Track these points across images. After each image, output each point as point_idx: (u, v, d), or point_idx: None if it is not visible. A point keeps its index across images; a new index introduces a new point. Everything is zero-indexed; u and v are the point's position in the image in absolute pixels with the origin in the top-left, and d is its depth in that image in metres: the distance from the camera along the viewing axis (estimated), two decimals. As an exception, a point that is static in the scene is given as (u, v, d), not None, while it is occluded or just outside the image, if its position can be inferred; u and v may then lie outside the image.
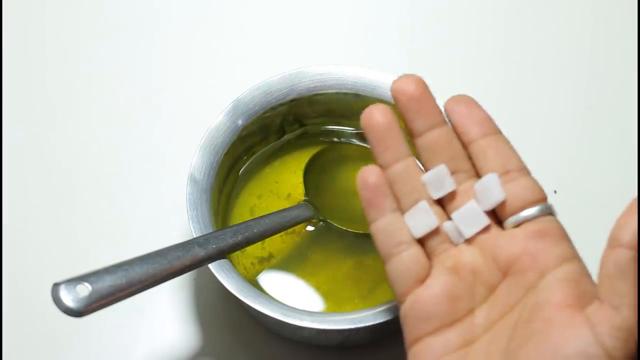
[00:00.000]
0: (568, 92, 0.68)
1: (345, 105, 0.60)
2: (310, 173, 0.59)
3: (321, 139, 0.62)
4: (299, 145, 0.62)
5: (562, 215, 0.64)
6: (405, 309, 0.45)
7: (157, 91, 0.68)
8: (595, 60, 0.70)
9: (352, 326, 0.51)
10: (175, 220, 0.60)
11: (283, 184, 0.60)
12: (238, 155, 0.60)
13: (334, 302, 0.56)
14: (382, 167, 0.46)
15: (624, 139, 0.66)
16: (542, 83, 0.69)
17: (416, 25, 0.72)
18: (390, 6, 0.72)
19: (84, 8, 0.71)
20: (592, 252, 0.62)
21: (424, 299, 0.44)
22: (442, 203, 0.46)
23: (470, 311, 0.44)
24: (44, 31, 0.71)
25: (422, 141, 0.46)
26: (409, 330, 0.45)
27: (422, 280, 0.45)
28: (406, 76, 0.46)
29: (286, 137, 0.62)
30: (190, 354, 0.58)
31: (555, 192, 0.62)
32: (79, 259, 0.60)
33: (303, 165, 0.59)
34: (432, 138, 0.46)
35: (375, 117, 0.46)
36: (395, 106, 0.46)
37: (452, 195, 0.46)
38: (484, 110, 0.46)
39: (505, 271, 0.44)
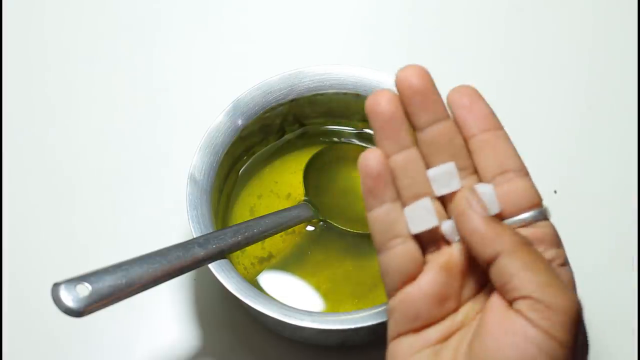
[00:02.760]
0: (568, 92, 0.68)
1: (345, 106, 0.60)
2: (310, 173, 0.59)
3: (321, 139, 0.62)
4: (299, 145, 0.62)
5: (562, 215, 0.63)
6: (393, 304, 0.44)
7: (157, 91, 0.68)
8: (595, 60, 0.70)
9: (352, 326, 0.51)
10: (175, 220, 0.60)
11: (283, 184, 0.60)
12: (238, 155, 0.60)
13: (334, 302, 0.56)
14: (385, 155, 0.45)
15: (624, 139, 0.66)
16: (542, 83, 0.69)
17: (416, 25, 0.72)
18: (391, 6, 0.72)
19: (84, 8, 0.71)
20: (592, 252, 0.62)
21: (414, 297, 0.44)
22: (443, 200, 0.46)
23: (455, 310, 0.44)
24: (44, 31, 0.71)
25: (424, 135, 0.45)
26: (394, 325, 0.44)
27: (413, 277, 0.44)
28: (411, 67, 0.45)
29: (286, 137, 0.62)
30: (190, 354, 0.58)
31: (555, 192, 0.63)
32: (79, 259, 0.60)
33: (303, 165, 0.59)
34: (435, 133, 0.45)
35: (381, 103, 0.45)
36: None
37: (454, 194, 0.46)
38: (486, 104, 0.45)
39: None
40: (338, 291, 0.57)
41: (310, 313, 0.52)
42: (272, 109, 0.59)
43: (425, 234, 0.45)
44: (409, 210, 0.45)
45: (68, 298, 0.46)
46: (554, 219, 0.64)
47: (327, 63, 0.60)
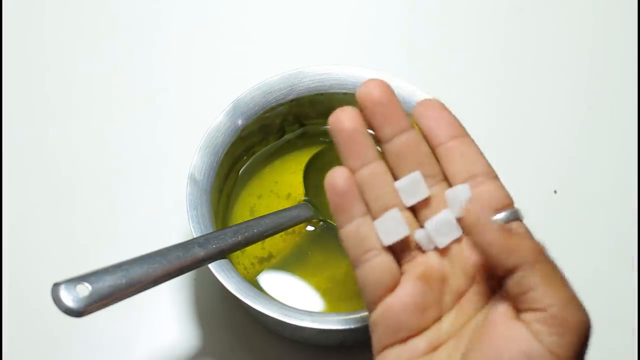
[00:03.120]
0: (568, 92, 0.68)
1: (345, 105, 0.60)
2: (310, 173, 0.59)
3: (321, 139, 0.62)
4: (299, 145, 0.62)
5: (562, 215, 0.64)
6: (375, 317, 0.44)
7: (157, 91, 0.68)
8: (595, 60, 0.70)
9: (352, 326, 0.51)
10: (175, 220, 0.60)
11: (283, 184, 0.60)
12: (238, 155, 0.60)
13: (334, 302, 0.56)
14: (351, 171, 0.45)
15: (624, 139, 0.66)
16: (543, 83, 0.69)
17: (416, 25, 0.72)
18: (391, 6, 0.72)
19: (84, 8, 0.71)
20: (591, 252, 0.62)
21: (395, 308, 0.44)
22: (414, 209, 0.46)
23: (438, 318, 0.44)
24: (44, 31, 0.71)
25: (390, 147, 0.46)
26: (379, 338, 0.44)
27: (392, 288, 0.44)
28: (372, 81, 0.45)
29: (286, 137, 0.62)
30: (190, 354, 0.58)
31: (555, 192, 0.63)
32: (79, 259, 0.60)
33: (303, 165, 0.59)
34: (400, 143, 0.45)
35: (343, 120, 0.45)
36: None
37: (424, 202, 0.46)
38: (452, 114, 0.46)
39: (473, 278, 0.44)
40: (338, 291, 0.57)
41: (310, 313, 0.52)
42: (272, 109, 0.59)
43: (398, 244, 0.45)
44: (379, 222, 0.45)
45: (68, 298, 0.46)
46: (554, 219, 0.64)
47: (327, 63, 0.60)
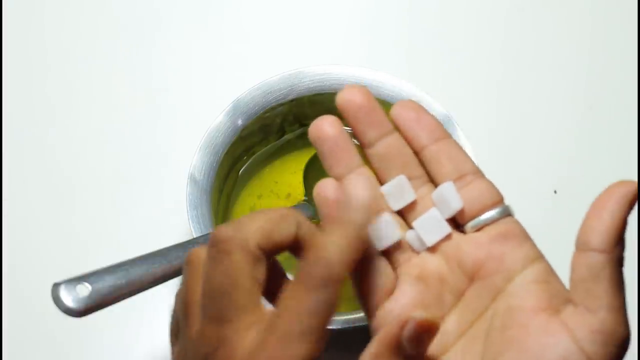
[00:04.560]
0: (568, 92, 0.68)
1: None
2: (310, 173, 0.59)
3: (321, 139, 0.62)
4: (299, 145, 0.62)
5: (562, 215, 0.64)
6: (375, 325, 0.44)
7: (157, 91, 0.68)
8: (595, 60, 0.70)
9: (352, 326, 0.51)
10: (175, 220, 0.60)
11: (283, 184, 0.60)
12: (238, 155, 0.59)
13: (334, 302, 0.56)
14: (337, 179, 0.45)
15: (624, 139, 0.66)
16: (543, 83, 0.69)
17: (416, 25, 0.72)
18: (390, 6, 0.72)
19: (84, 8, 0.71)
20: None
21: (395, 311, 0.43)
22: (402, 212, 0.46)
23: (440, 319, 0.44)
24: (44, 31, 0.71)
25: (374, 151, 0.45)
26: None
27: (389, 292, 0.44)
28: (351, 86, 0.45)
29: (286, 137, 0.62)
30: (190, 354, 0.58)
31: (555, 192, 0.63)
32: (79, 259, 0.60)
33: (303, 166, 0.59)
34: (384, 147, 0.45)
35: (324, 129, 0.45)
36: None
37: (411, 205, 0.45)
38: (432, 116, 0.46)
39: (472, 276, 0.44)
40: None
41: (310, 313, 0.52)
42: (272, 108, 0.59)
43: (392, 248, 0.45)
44: (372, 228, 0.44)
45: (68, 298, 0.46)
46: (554, 218, 0.64)
47: (327, 63, 0.60)
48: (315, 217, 0.58)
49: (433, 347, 0.43)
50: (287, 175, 0.60)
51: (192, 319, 0.40)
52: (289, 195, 0.60)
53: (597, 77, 0.69)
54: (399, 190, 0.45)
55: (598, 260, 0.40)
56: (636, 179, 0.64)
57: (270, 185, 0.60)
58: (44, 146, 0.66)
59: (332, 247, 0.38)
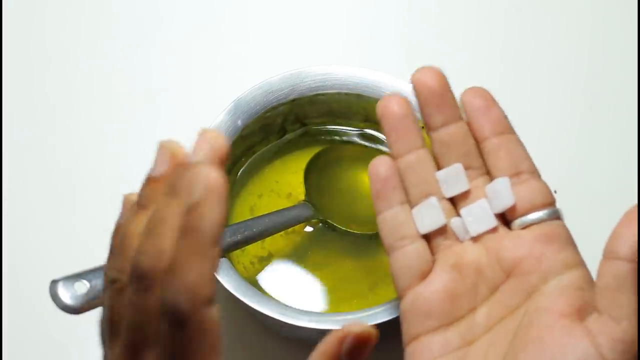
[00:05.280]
0: (568, 92, 0.68)
1: (346, 106, 0.60)
2: (311, 173, 0.59)
3: (322, 138, 0.62)
4: (300, 145, 0.62)
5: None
6: (405, 305, 0.45)
7: (157, 90, 0.68)
8: (594, 60, 0.70)
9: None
10: (175, 220, 0.59)
11: (284, 183, 0.60)
12: (238, 154, 0.60)
13: (334, 302, 0.56)
14: (395, 157, 0.46)
15: (624, 139, 0.66)
16: (542, 83, 0.69)
17: (416, 25, 0.72)
18: (390, 6, 0.72)
19: (84, 8, 0.71)
20: (592, 252, 0.62)
21: (425, 295, 0.44)
22: (453, 200, 0.46)
23: (472, 310, 0.44)
24: (44, 31, 0.71)
25: (438, 135, 0.46)
26: (408, 327, 0.44)
27: (423, 276, 0.44)
28: (427, 68, 0.46)
29: (287, 136, 0.62)
30: (190, 353, 0.57)
31: (555, 192, 0.62)
32: (79, 259, 0.60)
33: (304, 165, 0.59)
34: (448, 133, 0.46)
35: (391, 106, 0.46)
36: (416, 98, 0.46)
37: (463, 194, 0.46)
38: (499, 107, 0.46)
39: (509, 272, 0.44)
40: (338, 291, 0.57)
41: (308, 313, 0.52)
42: (273, 108, 0.59)
43: (434, 233, 0.45)
44: (417, 210, 0.45)
45: (66, 295, 0.46)
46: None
47: (328, 63, 0.60)
48: (315, 217, 0.58)
49: (458, 338, 0.43)
50: (288, 174, 0.60)
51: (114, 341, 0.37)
52: (289, 194, 0.60)
53: (597, 77, 0.69)
54: (454, 178, 0.45)
55: (625, 269, 0.40)
56: (636, 179, 0.64)
57: (271, 185, 0.60)
58: (44, 146, 0.66)
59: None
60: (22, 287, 0.60)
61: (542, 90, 0.69)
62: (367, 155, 0.60)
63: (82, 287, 0.46)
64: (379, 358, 0.57)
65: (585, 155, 0.66)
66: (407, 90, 0.58)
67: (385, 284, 0.57)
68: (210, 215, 0.33)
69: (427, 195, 0.45)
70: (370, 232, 0.58)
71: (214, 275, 0.33)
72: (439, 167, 0.46)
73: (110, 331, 0.37)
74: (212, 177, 0.33)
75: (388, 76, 0.59)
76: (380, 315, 0.51)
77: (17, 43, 0.70)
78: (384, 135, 0.46)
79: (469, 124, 0.46)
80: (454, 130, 0.46)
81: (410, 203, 0.46)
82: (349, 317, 0.52)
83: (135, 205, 0.37)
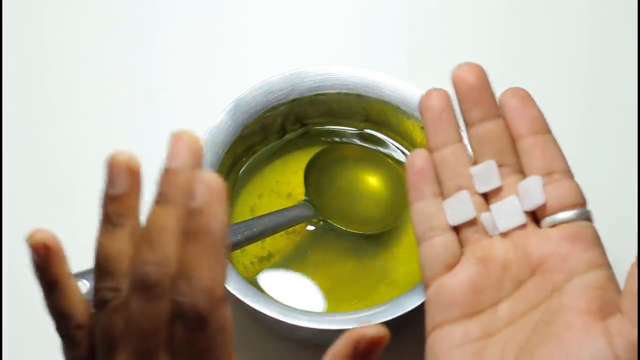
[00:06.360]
0: (567, 92, 0.68)
1: (346, 106, 0.60)
2: (311, 173, 0.59)
3: (322, 138, 0.62)
4: (300, 145, 0.62)
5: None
6: (429, 294, 0.45)
7: (157, 90, 0.68)
8: (594, 60, 0.70)
9: (352, 326, 0.51)
10: (176, 220, 0.59)
11: (284, 183, 0.60)
12: (239, 154, 0.60)
13: (334, 302, 0.56)
14: (432, 150, 0.47)
15: (624, 139, 0.66)
16: (542, 83, 0.69)
17: (416, 25, 0.72)
18: (390, 6, 0.72)
19: (84, 8, 0.71)
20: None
21: (449, 286, 0.45)
22: (485, 195, 0.47)
23: (495, 303, 0.44)
24: (44, 31, 0.71)
25: (475, 131, 0.47)
26: (431, 316, 0.45)
27: (450, 267, 0.45)
28: (467, 64, 0.47)
29: (287, 136, 0.62)
30: (190, 353, 0.57)
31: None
32: (79, 259, 0.60)
33: (304, 165, 0.59)
34: (485, 130, 0.47)
35: (432, 99, 0.47)
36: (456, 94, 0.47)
37: (495, 190, 0.47)
38: (537, 107, 0.47)
39: (535, 269, 0.44)
40: (338, 291, 0.57)
41: (308, 313, 0.52)
42: (274, 108, 0.59)
43: (464, 226, 0.46)
44: (448, 202, 0.46)
45: (67, 295, 0.46)
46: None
47: (328, 63, 0.60)
48: (315, 217, 0.58)
49: (479, 330, 0.43)
50: (288, 174, 0.60)
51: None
52: (289, 194, 0.60)
53: (597, 77, 0.69)
54: (487, 174, 0.46)
55: None
56: (636, 179, 0.64)
57: (271, 185, 0.60)
58: (44, 146, 0.66)
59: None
60: (22, 287, 0.60)
61: (542, 90, 0.68)
62: (367, 155, 0.60)
63: (82, 287, 0.46)
64: (379, 357, 0.57)
65: (585, 155, 0.66)
66: (408, 90, 0.59)
67: (385, 284, 0.57)
68: (217, 216, 0.33)
69: (459, 189, 0.46)
70: (370, 232, 0.58)
71: (226, 273, 0.34)
72: (475, 163, 0.47)
73: (109, 348, 0.37)
74: (212, 180, 0.34)
75: (388, 76, 0.59)
76: (380, 315, 0.51)
77: (17, 43, 0.70)
78: (424, 127, 0.47)
79: (506, 122, 0.47)
80: (491, 127, 0.47)
81: (444, 196, 0.47)
82: (349, 317, 0.52)
83: (108, 226, 0.37)
